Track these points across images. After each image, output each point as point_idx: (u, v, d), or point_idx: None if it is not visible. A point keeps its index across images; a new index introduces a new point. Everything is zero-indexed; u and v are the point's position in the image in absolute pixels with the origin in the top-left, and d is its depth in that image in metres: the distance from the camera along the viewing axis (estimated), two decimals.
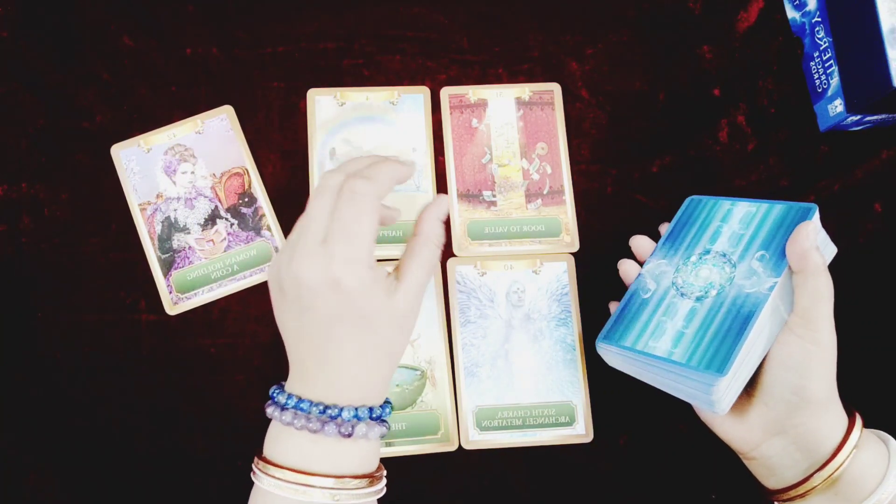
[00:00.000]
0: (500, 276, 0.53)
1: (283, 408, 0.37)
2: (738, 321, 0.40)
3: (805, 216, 0.42)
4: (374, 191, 0.37)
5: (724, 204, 0.46)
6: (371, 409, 0.37)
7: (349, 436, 0.36)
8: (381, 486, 0.39)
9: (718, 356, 0.39)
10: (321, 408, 0.37)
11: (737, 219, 0.45)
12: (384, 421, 0.39)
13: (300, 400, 0.37)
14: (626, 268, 0.48)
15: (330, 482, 0.36)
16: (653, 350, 0.42)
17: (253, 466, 0.38)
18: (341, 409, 0.37)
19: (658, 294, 0.45)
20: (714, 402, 0.40)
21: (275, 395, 0.38)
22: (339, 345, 0.37)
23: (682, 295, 0.43)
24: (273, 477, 0.36)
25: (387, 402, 0.39)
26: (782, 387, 0.40)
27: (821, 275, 0.40)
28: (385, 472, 0.40)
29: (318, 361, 0.37)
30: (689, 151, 0.56)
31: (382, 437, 0.38)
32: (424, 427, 0.50)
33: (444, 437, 0.50)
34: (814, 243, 0.40)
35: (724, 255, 0.44)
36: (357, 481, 0.37)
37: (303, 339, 0.38)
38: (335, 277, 0.35)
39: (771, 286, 0.40)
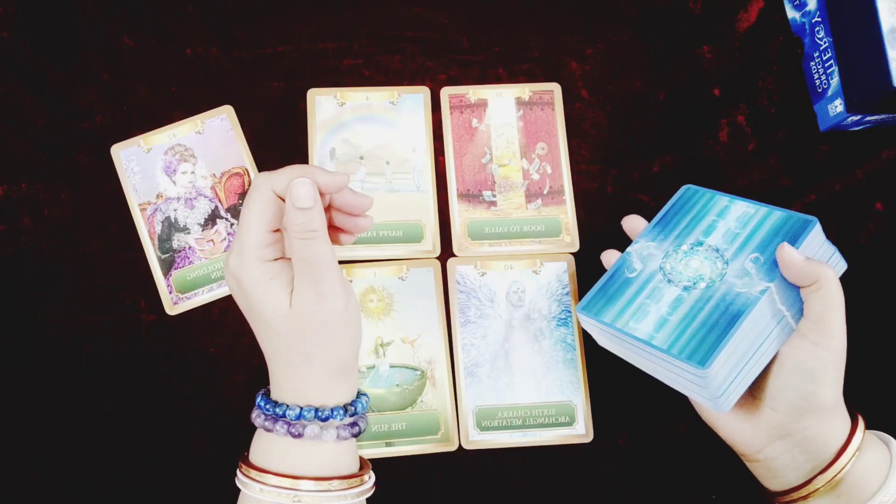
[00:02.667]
0: (500, 276, 0.53)
1: (256, 405, 0.38)
2: (725, 318, 0.40)
3: (804, 228, 0.41)
4: (265, 183, 0.36)
5: (722, 200, 0.46)
6: (317, 411, 0.37)
7: (299, 436, 0.36)
8: (358, 490, 0.37)
9: (702, 349, 0.39)
10: (273, 404, 0.37)
11: (734, 217, 0.44)
12: (354, 424, 0.38)
13: (261, 396, 0.38)
14: (610, 259, 0.48)
15: (286, 482, 0.36)
16: (633, 331, 0.42)
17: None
18: (287, 408, 0.37)
19: (644, 276, 0.44)
20: (711, 399, 0.40)
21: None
22: (260, 340, 0.38)
23: (668, 281, 0.43)
24: (239, 471, 0.37)
25: (342, 406, 0.38)
26: (792, 391, 0.40)
27: (831, 281, 0.39)
28: (367, 476, 0.39)
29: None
30: (689, 151, 0.56)
31: (343, 439, 0.37)
32: (424, 427, 0.50)
33: (444, 437, 0.50)
34: (801, 256, 0.39)
35: (717, 251, 0.43)
36: (314, 483, 0.36)
37: None
38: (228, 266, 0.36)
39: (763, 290, 0.40)
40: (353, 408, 0.38)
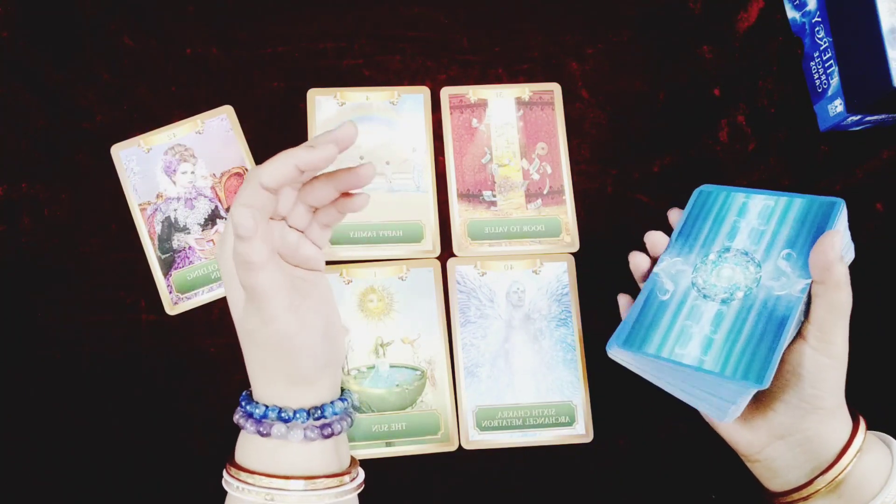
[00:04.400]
0: (500, 276, 0.53)
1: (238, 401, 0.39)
2: (771, 326, 0.38)
3: (830, 211, 0.40)
4: (253, 175, 0.34)
5: (738, 196, 0.44)
6: (280, 411, 0.36)
7: (267, 435, 0.36)
8: (336, 490, 0.37)
9: (755, 365, 0.37)
10: (248, 401, 0.38)
11: (754, 213, 0.42)
12: (326, 426, 0.37)
13: (244, 394, 0.39)
14: (638, 261, 0.45)
15: (262, 480, 0.36)
16: (680, 358, 0.39)
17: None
18: (255, 406, 0.37)
19: (678, 296, 0.41)
20: (730, 412, 0.38)
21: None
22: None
23: (704, 297, 0.41)
24: (225, 469, 0.38)
25: (306, 410, 0.37)
26: (792, 393, 0.39)
27: (842, 289, 0.38)
28: (348, 477, 0.38)
29: None
30: (689, 151, 0.56)
31: (310, 440, 0.37)
32: (424, 427, 0.50)
33: (444, 437, 0.50)
34: (839, 254, 0.38)
35: (747, 254, 0.41)
36: (282, 482, 0.36)
37: None
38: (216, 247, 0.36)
39: (803, 287, 0.38)
40: (319, 412, 0.37)
